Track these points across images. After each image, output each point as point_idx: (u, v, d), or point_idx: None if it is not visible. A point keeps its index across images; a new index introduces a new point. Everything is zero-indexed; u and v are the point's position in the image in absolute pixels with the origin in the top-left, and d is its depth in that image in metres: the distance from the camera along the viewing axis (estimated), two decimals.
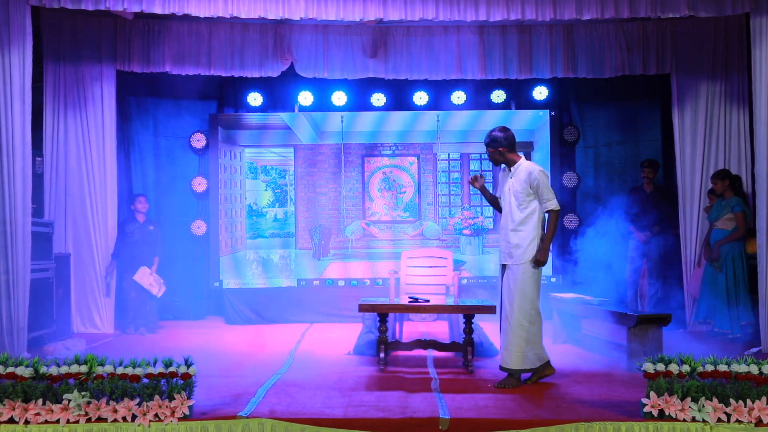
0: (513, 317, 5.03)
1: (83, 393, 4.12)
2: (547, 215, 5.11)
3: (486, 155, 5.34)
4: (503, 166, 5.28)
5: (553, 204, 5.05)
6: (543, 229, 5.12)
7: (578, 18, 6.53)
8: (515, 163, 5.18)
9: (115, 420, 4.08)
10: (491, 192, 5.48)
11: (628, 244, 8.07)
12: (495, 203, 5.40)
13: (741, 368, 4.18)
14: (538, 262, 5.02)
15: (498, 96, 8.99)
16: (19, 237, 6.05)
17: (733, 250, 7.06)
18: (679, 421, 4.09)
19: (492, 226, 8.87)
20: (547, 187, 5.05)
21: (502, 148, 5.16)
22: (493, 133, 5.19)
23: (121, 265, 7.90)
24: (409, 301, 6.01)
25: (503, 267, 5.18)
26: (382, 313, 5.78)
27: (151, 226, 8.03)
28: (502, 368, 5.11)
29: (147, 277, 7.80)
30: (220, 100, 9.10)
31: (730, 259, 7.06)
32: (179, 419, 4.11)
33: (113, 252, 7.87)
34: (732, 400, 4.11)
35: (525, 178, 5.06)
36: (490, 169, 8.93)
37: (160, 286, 7.94)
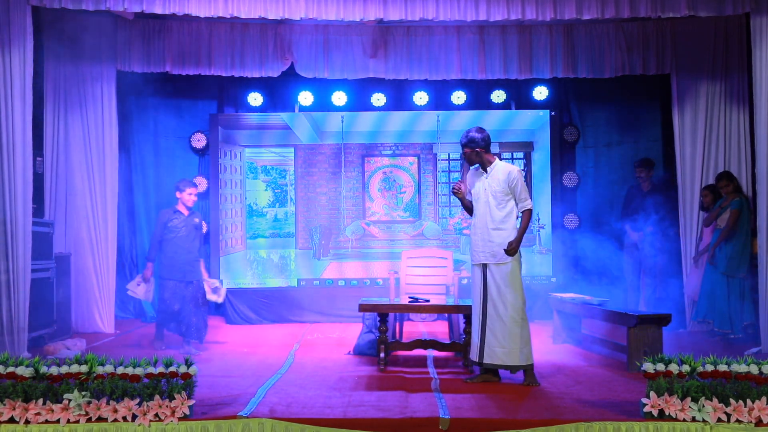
0: (507, 316, 5.05)
1: (83, 393, 4.12)
2: (521, 213, 5.18)
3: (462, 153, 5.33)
4: (476, 166, 5.30)
5: (530, 203, 5.18)
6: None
7: (578, 18, 6.53)
8: (491, 163, 5.23)
9: (116, 420, 4.08)
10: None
11: (624, 243, 8.07)
12: (469, 208, 5.37)
13: (741, 368, 4.18)
14: (508, 252, 5.06)
15: (498, 96, 9.00)
16: (20, 237, 6.05)
17: (735, 249, 7.05)
18: (679, 421, 4.09)
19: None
20: (524, 187, 5.16)
21: (479, 149, 5.20)
22: (471, 134, 5.21)
23: (163, 270, 6.64)
24: (409, 301, 6.02)
25: (483, 267, 5.17)
26: (382, 313, 5.78)
27: (196, 218, 6.76)
28: (497, 366, 5.09)
29: (208, 291, 6.74)
30: (220, 100, 9.11)
31: (732, 258, 7.05)
32: (179, 419, 4.11)
33: (149, 254, 6.76)
34: (732, 400, 4.11)
35: (504, 178, 5.12)
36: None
37: (220, 288, 6.88)
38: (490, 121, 8.84)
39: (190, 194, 6.69)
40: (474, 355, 5.21)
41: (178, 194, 6.72)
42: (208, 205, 8.88)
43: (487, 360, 5.11)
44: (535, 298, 8.18)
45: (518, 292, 5.10)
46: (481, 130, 5.24)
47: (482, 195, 5.20)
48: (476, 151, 5.20)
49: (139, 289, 6.74)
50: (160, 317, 6.69)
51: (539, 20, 6.75)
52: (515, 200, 5.15)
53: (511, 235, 5.09)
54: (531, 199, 5.25)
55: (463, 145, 5.26)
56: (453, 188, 5.27)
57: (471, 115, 8.92)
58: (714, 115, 7.80)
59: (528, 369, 5.09)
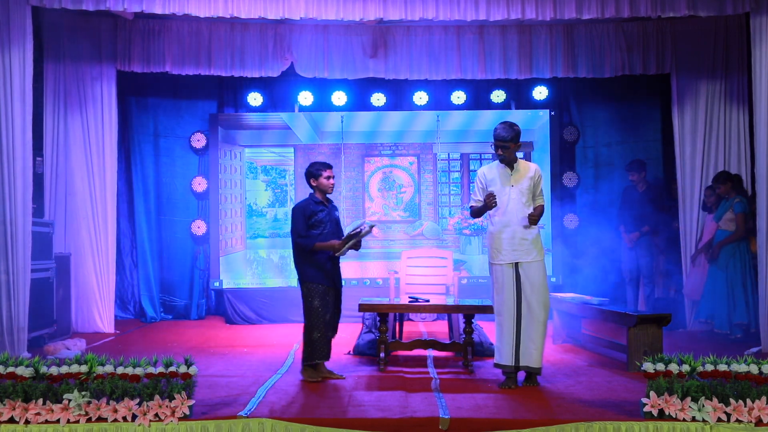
0: (542, 315, 4.98)
1: (83, 393, 4.12)
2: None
3: (499, 151, 5.08)
4: (495, 164, 5.17)
5: (543, 200, 5.20)
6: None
7: (578, 18, 6.53)
8: (516, 159, 5.16)
9: (116, 420, 4.08)
10: None
11: (623, 243, 8.07)
12: (482, 212, 5.20)
13: (741, 368, 4.18)
14: (532, 219, 5.00)
15: (498, 96, 8.99)
16: (20, 237, 6.05)
17: (735, 249, 7.06)
18: (679, 420, 4.09)
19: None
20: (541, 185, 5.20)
21: (519, 142, 5.11)
22: (516, 128, 5.06)
23: (311, 275, 5.36)
24: (409, 301, 6.02)
25: (515, 267, 5.01)
26: (382, 312, 5.78)
27: (335, 210, 5.59)
28: (532, 369, 5.00)
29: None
30: (220, 100, 9.11)
31: (731, 258, 7.05)
32: (179, 419, 4.11)
33: (308, 241, 5.29)
34: (732, 400, 4.11)
35: (531, 175, 5.09)
36: None
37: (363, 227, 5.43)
38: (490, 121, 8.82)
39: (329, 178, 5.42)
40: (507, 360, 4.99)
41: (313, 182, 5.42)
42: (208, 204, 8.88)
43: (524, 363, 4.98)
44: None
45: (547, 291, 5.09)
46: (515, 124, 5.12)
47: (510, 193, 5.07)
48: (518, 145, 5.09)
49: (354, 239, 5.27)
50: (316, 332, 5.29)
51: (539, 20, 6.75)
52: (533, 196, 5.13)
53: (539, 233, 5.09)
54: None
55: (510, 140, 5.01)
56: (490, 201, 4.99)
57: (471, 115, 8.93)
58: (714, 114, 7.81)
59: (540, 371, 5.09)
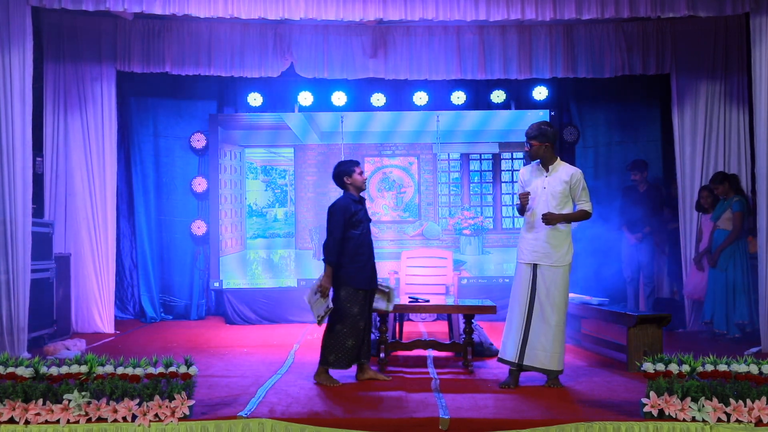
0: (554, 320, 4.94)
1: (83, 393, 4.12)
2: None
3: (525, 147, 5.10)
4: (535, 162, 5.14)
5: (590, 206, 5.07)
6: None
7: (578, 18, 6.53)
8: (554, 161, 5.09)
9: (116, 420, 4.08)
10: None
11: (623, 243, 8.07)
12: (524, 209, 5.15)
13: (741, 368, 4.18)
14: (548, 219, 4.91)
15: (498, 96, 8.99)
16: (19, 237, 6.05)
17: (734, 250, 7.05)
18: (679, 420, 4.09)
19: (492, 226, 8.87)
20: (585, 190, 5.06)
21: (549, 143, 5.04)
22: (542, 127, 5.04)
23: (349, 278, 5.18)
24: (409, 301, 6.01)
25: (533, 267, 5.01)
26: (382, 313, 5.77)
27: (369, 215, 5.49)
28: (537, 369, 4.97)
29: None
30: (220, 100, 9.11)
31: (731, 259, 7.05)
32: (179, 419, 4.11)
33: (330, 256, 5.13)
34: (732, 400, 4.11)
35: (567, 178, 5.01)
36: (490, 169, 8.92)
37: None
38: (490, 121, 8.84)
39: (361, 173, 5.31)
40: (510, 356, 5.02)
41: (347, 180, 5.28)
42: (208, 205, 8.87)
43: (527, 362, 4.97)
44: None
45: (566, 297, 5.03)
46: (550, 124, 5.10)
47: (541, 194, 5.03)
48: (545, 146, 5.03)
49: (318, 304, 5.13)
50: (351, 339, 5.11)
51: (539, 20, 6.76)
52: (573, 201, 5.04)
53: (568, 238, 5.01)
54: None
55: (533, 138, 5.03)
56: (523, 199, 5.02)
57: (471, 115, 8.92)
58: (714, 114, 7.80)
59: (559, 373, 5.06)
